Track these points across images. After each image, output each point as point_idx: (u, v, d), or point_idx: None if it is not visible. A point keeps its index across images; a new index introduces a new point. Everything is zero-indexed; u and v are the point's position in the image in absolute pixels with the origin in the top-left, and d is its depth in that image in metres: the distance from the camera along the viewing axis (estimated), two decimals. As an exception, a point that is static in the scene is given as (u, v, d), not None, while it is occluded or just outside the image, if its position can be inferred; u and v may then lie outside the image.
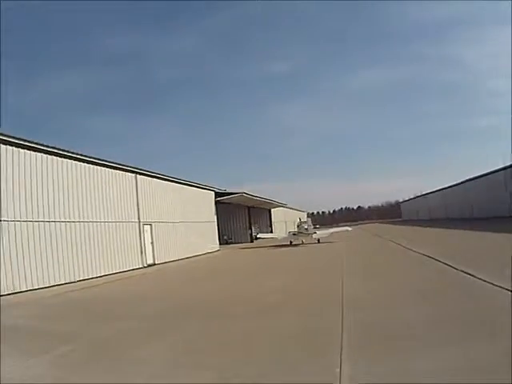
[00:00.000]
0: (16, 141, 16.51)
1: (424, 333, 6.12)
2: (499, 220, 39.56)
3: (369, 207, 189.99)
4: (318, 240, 35.46)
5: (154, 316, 9.32)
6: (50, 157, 18.44)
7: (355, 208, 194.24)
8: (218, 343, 6.60)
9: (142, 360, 5.99)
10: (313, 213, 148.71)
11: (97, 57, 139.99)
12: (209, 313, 9.18)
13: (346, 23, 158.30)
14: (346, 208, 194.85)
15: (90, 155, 21.03)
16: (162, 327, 8.09)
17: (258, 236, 50.44)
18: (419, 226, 53.73)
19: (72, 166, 19.87)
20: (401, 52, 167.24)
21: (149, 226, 25.58)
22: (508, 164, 48.91)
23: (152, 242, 25.64)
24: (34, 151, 17.62)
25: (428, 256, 15.58)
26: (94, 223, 20.70)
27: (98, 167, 21.75)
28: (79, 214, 19.79)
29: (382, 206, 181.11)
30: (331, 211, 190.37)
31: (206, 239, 34.68)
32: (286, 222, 66.20)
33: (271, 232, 55.14)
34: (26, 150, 17.20)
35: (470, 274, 10.34)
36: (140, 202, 24.90)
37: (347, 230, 42.01)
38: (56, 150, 18.86)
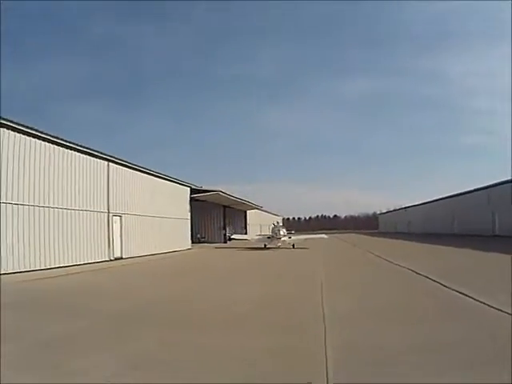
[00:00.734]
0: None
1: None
2: (481, 239, 39.30)
3: (345, 217, 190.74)
4: (293, 245, 34.76)
5: (100, 318, 8.05)
6: (13, 133, 17.00)
7: (331, 216, 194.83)
8: (159, 362, 5.30)
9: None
10: (288, 218, 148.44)
11: (85, 45, 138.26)
12: (161, 320, 7.86)
13: (337, 31, 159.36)
14: (322, 216, 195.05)
15: (61, 137, 19.64)
16: (100, 334, 6.78)
17: (232, 237, 49.32)
18: (399, 238, 53.26)
19: (40, 147, 18.48)
20: (390, 63, 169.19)
21: (118, 218, 24.22)
22: (492, 183, 49.02)
23: (121, 235, 24.28)
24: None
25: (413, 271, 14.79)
26: (60, 210, 19.30)
27: (69, 151, 20.35)
28: (44, 199, 18.39)
29: (359, 216, 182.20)
30: (307, 218, 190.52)
31: (178, 236, 33.41)
32: (260, 225, 65.22)
33: (246, 234, 54.03)
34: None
35: (469, 297, 9.02)
36: (111, 191, 23.52)
37: (323, 238, 41.26)
38: (22, 128, 17.47)
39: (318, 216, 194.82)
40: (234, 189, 43.17)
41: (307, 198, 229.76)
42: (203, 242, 47.37)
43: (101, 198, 22.62)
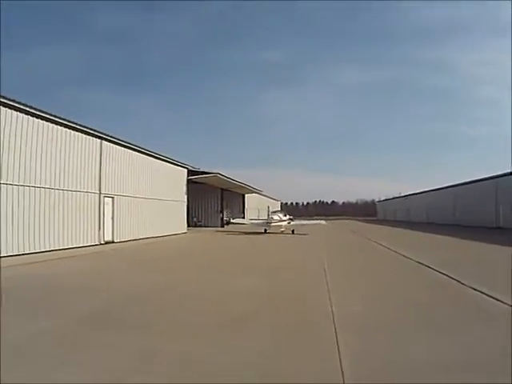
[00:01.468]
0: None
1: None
2: (486, 230, 38.22)
3: (343, 203, 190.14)
4: (293, 231, 33.89)
5: (61, 318, 6.80)
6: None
7: (329, 202, 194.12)
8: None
9: None
10: (286, 203, 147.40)
11: (90, 33, 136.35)
12: (142, 320, 6.66)
13: (342, 19, 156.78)
14: (320, 201, 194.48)
15: (49, 111, 18.23)
16: (54, 342, 5.56)
17: (231, 221, 48.41)
18: (398, 227, 52.27)
19: (29, 123, 17.14)
20: (394, 52, 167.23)
21: (110, 199, 22.90)
22: (499, 173, 47.57)
23: (112, 217, 23.00)
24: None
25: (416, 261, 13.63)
26: (47, 190, 18.00)
27: (58, 127, 18.96)
28: (30, 178, 17.10)
29: (357, 202, 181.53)
30: (305, 203, 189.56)
31: (174, 219, 32.14)
32: (259, 210, 64.02)
33: (244, 218, 52.91)
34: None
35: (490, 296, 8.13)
36: (103, 171, 22.15)
37: (321, 224, 40.42)
38: (11, 103, 16.11)
39: (316, 201, 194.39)
40: (231, 173, 41.77)
41: (306, 184, 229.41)
42: (200, 226, 46.28)
43: (92, 177, 21.26)
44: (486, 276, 10.76)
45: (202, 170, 38.06)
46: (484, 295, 8.21)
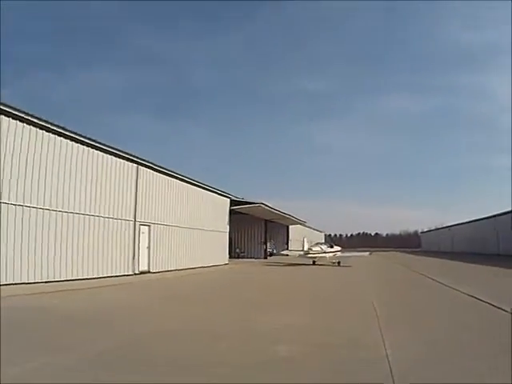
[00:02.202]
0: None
1: None
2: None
3: (386, 235, 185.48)
4: (339, 263, 31.92)
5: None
6: (37, 130, 15.37)
7: (373, 234, 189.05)
8: None
9: None
10: (330, 234, 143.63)
11: (128, 56, 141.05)
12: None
13: (383, 47, 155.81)
14: (363, 233, 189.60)
15: (83, 134, 17.51)
16: None
17: (274, 252, 47.15)
18: (445, 258, 48.76)
19: (62, 145, 16.46)
20: (436, 81, 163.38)
21: (146, 228, 21.77)
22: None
23: (149, 247, 21.81)
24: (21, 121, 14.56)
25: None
26: (78, 215, 17.09)
27: (94, 150, 18.26)
28: (63, 203, 16.29)
29: (400, 234, 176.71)
30: (348, 235, 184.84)
31: (215, 250, 30.63)
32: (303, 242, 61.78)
33: (287, 249, 51.00)
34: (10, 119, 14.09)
35: None
36: (139, 198, 21.14)
37: (365, 256, 38.63)
38: (46, 124, 15.53)
39: (359, 233, 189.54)
40: (275, 205, 40.22)
41: (350, 215, 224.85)
42: (242, 257, 44.62)
43: (127, 204, 20.26)
44: None
45: (245, 200, 36.75)
46: None
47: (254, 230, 48.27)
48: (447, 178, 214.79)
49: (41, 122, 15.32)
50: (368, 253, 41.75)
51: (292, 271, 27.89)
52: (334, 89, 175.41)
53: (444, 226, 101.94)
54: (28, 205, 14.67)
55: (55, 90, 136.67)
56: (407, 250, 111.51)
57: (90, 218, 17.62)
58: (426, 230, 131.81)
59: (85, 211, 17.36)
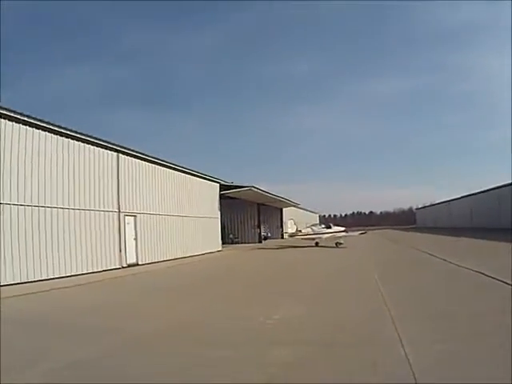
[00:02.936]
0: None
1: None
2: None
3: (381, 213, 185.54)
4: (337, 244, 31.23)
5: None
6: (6, 122, 14.23)
7: (367, 213, 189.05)
8: None
9: None
10: (324, 215, 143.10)
11: (111, 52, 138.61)
12: None
13: (368, 28, 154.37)
14: (357, 212, 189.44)
15: (57, 123, 16.35)
16: None
17: (268, 235, 46.73)
18: (441, 234, 48.30)
19: (35, 136, 15.31)
20: (422, 60, 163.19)
21: (132, 218, 20.78)
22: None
23: (136, 238, 20.84)
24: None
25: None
26: (62, 210, 16.12)
27: (70, 140, 17.08)
28: (44, 198, 15.33)
29: (395, 212, 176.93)
30: (343, 215, 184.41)
31: (207, 237, 29.74)
32: (297, 224, 61.06)
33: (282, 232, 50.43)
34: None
35: None
36: (122, 187, 20.09)
37: (357, 236, 38.42)
38: (16, 115, 14.37)
39: (353, 213, 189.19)
40: (267, 189, 39.25)
41: (343, 196, 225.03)
42: (236, 243, 43.79)
43: (109, 195, 19.23)
44: None
45: (235, 184, 35.74)
46: None
47: (247, 215, 47.38)
48: (436, 156, 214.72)
49: (10, 114, 14.18)
50: (358, 232, 41.11)
51: (284, 255, 27.19)
52: (321, 73, 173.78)
53: (440, 201, 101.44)
54: (1, 202, 13.65)
55: (41, 89, 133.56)
56: (401, 227, 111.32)
57: (70, 212, 16.56)
58: (420, 206, 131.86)
59: (63, 205, 16.28)
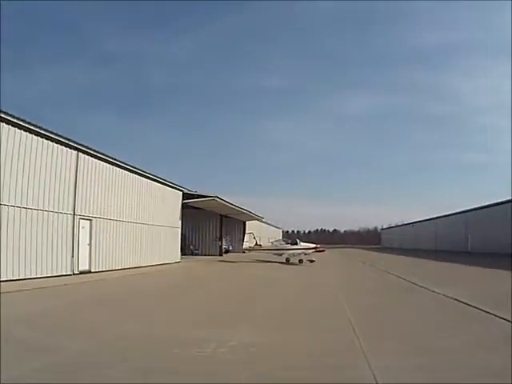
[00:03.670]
0: None
1: None
2: (502, 257, 34.97)
3: (345, 231, 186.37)
4: (300, 261, 30.96)
5: None
6: None
7: (331, 231, 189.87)
8: None
9: None
10: (287, 231, 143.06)
11: (92, 55, 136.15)
12: None
13: (342, 44, 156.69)
14: (321, 229, 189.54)
15: (10, 112, 15.06)
16: None
17: (230, 249, 45.77)
18: (410, 256, 48.67)
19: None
20: (395, 78, 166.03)
21: (88, 222, 19.48)
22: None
23: (90, 244, 19.55)
24: None
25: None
26: (7, 207, 14.75)
27: (23, 132, 15.73)
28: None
29: (359, 231, 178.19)
30: (306, 231, 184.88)
31: (166, 247, 28.53)
32: (259, 238, 60.34)
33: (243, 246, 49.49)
34: None
35: None
36: (79, 189, 18.83)
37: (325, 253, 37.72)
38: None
39: (317, 230, 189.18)
40: (231, 200, 38.20)
41: (307, 212, 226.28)
42: (196, 255, 42.57)
43: (65, 196, 17.92)
44: None
45: (198, 193, 34.68)
46: None
47: (209, 226, 46.25)
48: (405, 176, 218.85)
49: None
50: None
51: (247, 270, 26.34)
52: (293, 87, 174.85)
53: (406, 222, 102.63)
54: None
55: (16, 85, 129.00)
56: (367, 247, 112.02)
57: (16, 210, 15.19)
58: (385, 226, 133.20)
59: (9, 202, 14.93)
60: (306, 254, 31.95)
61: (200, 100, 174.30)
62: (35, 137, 16.32)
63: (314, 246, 34.35)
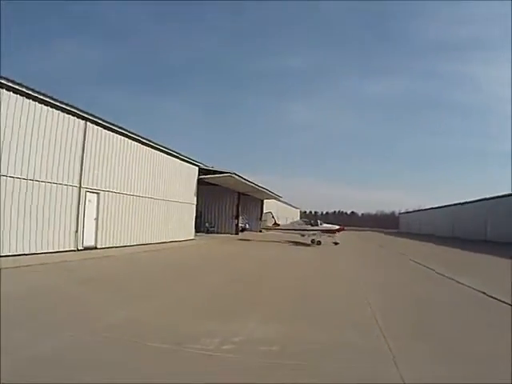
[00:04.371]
0: None
1: None
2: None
3: (362, 214, 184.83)
4: (318, 242, 30.00)
5: None
6: None
7: (348, 213, 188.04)
8: None
9: None
10: (305, 211, 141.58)
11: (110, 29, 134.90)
12: None
13: (366, 32, 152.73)
14: (339, 211, 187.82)
15: (16, 80, 14.09)
16: None
17: (246, 227, 45.02)
18: (428, 241, 47.07)
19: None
20: (417, 66, 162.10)
21: (95, 196, 18.60)
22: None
23: (97, 218, 18.70)
24: None
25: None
26: (5, 178, 13.88)
27: (25, 99, 14.74)
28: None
29: (377, 214, 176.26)
30: (324, 212, 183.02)
31: (179, 224, 27.64)
32: (278, 217, 59.26)
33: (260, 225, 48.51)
34: None
35: None
36: (86, 160, 17.89)
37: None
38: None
39: (335, 211, 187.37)
40: (250, 178, 36.88)
41: (325, 193, 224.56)
42: (212, 232, 41.71)
43: (70, 167, 16.99)
44: None
45: (215, 169, 33.50)
46: None
47: (226, 203, 45.23)
48: (425, 162, 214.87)
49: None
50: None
51: (259, 250, 25.29)
52: (316, 69, 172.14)
53: (425, 207, 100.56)
54: None
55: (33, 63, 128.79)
56: (384, 230, 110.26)
57: (15, 182, 14.34)
58: (403, 211, 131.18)
59: (8, 173, 14.06)
60: (329, 236, 30.69)
61: (224, 80, 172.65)
62: (39, 104, 15.33)
63: (337, 227, 32.58)
